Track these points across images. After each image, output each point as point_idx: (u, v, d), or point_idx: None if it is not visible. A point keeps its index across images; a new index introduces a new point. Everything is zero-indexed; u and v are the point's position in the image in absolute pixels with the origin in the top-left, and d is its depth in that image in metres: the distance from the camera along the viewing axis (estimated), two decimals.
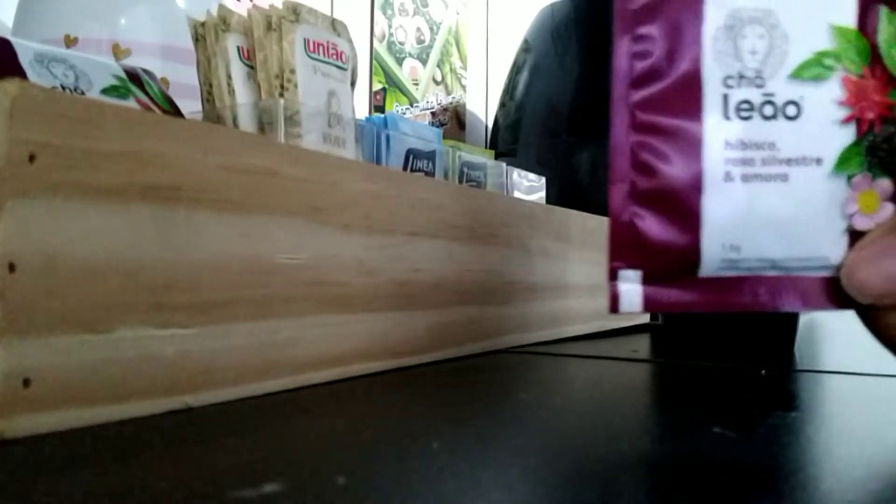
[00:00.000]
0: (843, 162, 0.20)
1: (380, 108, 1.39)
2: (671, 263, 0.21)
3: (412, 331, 0.39)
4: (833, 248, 0.20)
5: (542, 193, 0.68)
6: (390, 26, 1.43)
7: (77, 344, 0.23)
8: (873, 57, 0.21)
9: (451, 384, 0.35)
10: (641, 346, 0.54)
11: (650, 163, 0.21)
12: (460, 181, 0.58)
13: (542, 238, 0.54)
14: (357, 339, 0.35)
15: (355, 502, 0.16)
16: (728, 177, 0.20)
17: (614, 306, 0.21)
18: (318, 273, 0.33)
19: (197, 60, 0.46)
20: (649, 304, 0.21)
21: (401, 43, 1.45)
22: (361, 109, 1.32)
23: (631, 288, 0.21)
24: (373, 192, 0.37)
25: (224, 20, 0.44)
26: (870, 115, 0.20)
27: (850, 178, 0.20)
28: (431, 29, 1.55)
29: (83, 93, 0.37)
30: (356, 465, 0.20)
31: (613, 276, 0.21)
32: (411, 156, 0.53)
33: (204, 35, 0.45)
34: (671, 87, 0.21)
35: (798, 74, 0.20)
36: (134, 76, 0.41)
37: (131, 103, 0.40)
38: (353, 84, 0.49)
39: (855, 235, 0.20)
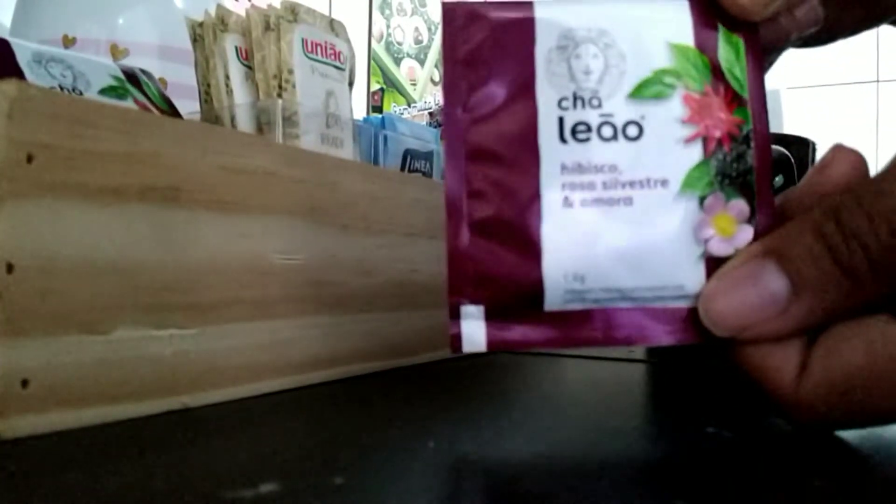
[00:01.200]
0: (691, 182, 0.19)
1: (378, 109, 1.39)
2: (514, 297, 0.19)
3: (410, 331, 0.39)
4: (688, 277, 0.19)
5: None
6: (388, 26, 1.43)
7: (75, 344, 0.23)
8: (715, 75, 0.20)
9: (448, 384, 0.35)
10: (637, 346, 0.54)
11: (486, 191, 0.19)
12: None
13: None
14: (355, 340, 0.35)
15: (353, 502, 0.17)
16: (567, 202, 0.19)
17: (456, 345, 0.19)
18: (317, 273, 0.33)
19: (195, 61, 0.46)
20: (494, 343, 0.19)
21: (399, 43, 1.45)
22: (359, 110, 1.32)
23: (474, 326, 0.19)
24: (371, 192, 0.37)
25: (222, 20, 0.44)
26: (716, 134, 0.19)
27: (701, 199, 0.19)
28: (429, 29, 1.55)
29: (81, 93, 0.37)
30: (353, 465, 0.20)
31: (455, 313, 0.19)
32: (409, 156, 0.53)
33: (202, 35, 0.45)
34: (504, 112, 0.20)
35: (637, 94, 0.19)
36: (132, 76, 0.41)
37: (129, 104, 0.40)
38: (351, 84, 0.49)
39: (713, 262, 0.19)
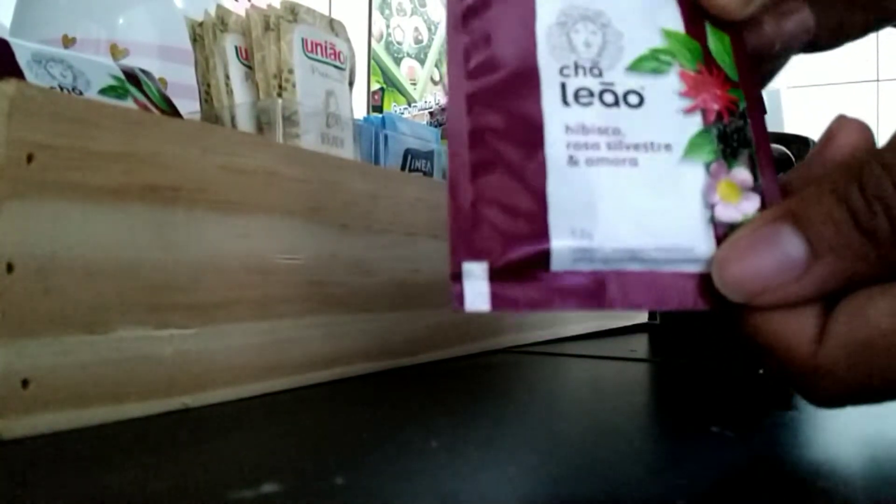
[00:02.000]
0: (694, 148, 0.19)
1: (378, 108, 1.39)
2: (520, 254, 0.18)
3: (411, 331, 0.39)
4: (698, 239, 0.19)
5: None
6: (388, 26, 1.43)
7: (75, 344, 0.23)
8: (707, 58, 0.20)
9: (449, 384, 0.35)
10: (639, 345, 0.54)
11: (489, 150, 0.19)
12: None
13: None
14: (355, 340, 0.35)
15: (353, 502, 0.16)
16: (572, 161, 0.19)
17: (458, 303, 0.18)
18: (317, 273, 0.33)
19: (195, 60, 0.46)
20: (498, 302, 0.18)
21: (399, 43, 1.45)
22: (359, 109, 1.32)
23: (477, 285, 0.19)
24: (371, 192, 0.37)
25: (222, 20, 0.44)
26: (714, 107, 0.20)
27: (707, 165, 0.19)
28: (429, 29, 1.55)
29: (81, 93, 0.37)
30: (354, 465, 0.20)
31: (456, 271, 0.18)
32: (409, 155, 0.53)
33: (202, 35, 0.45)
34: (506, 77, 0.20)
35: (636, 67, 0.20)
36: (132, 76, 0.41)
37: (129, 103, 0.40)
38: (351, 84, 0.49)
39: (721, 227, 0.19)
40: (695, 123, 0.19)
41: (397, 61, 1.45)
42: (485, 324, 0.47)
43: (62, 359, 0.23)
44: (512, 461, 0.20)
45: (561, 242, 0.18)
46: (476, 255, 0.18)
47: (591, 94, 0.19)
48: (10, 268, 0.21)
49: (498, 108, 0.20)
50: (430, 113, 1.50)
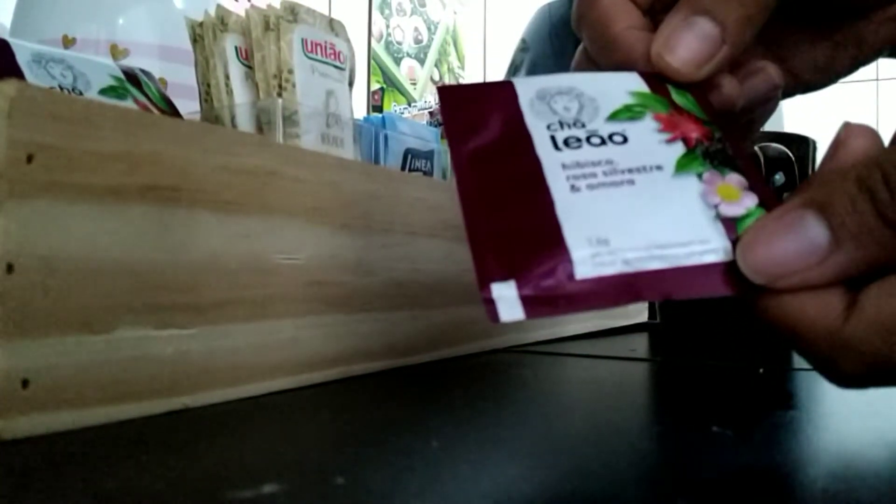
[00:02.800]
0: (683, 166, 0.21)
1: (378, 108, 1.38)
2: (544, 268, 0.20)
3: (411, 331, 0.39)
4: (710, 232, 0.19)
5: None
6: (388, 26, 1.43)
7: (75, 344, 0.23)
8: (675, 107, 0.22)
9: (450, 384, 0.35)
10: (639, 344, 0.54)
11: (498, 193, 0.21)
12: None
13: None
14: (356, 339, 0.35)
15: (354, 502, 0.16)
16: (574, 188, 0.20)
17: (493, 316, 0.20)
18: (317, 273, 0.33)
19: (195, 60, 0.46)
20: (531, 312, 0.20)
21: (398, 43, 1.45)
22: (359, 109, 1.32)
23: (509, 302, 0.20)
24: (371, 191, 0.37)
25: (222, 20, 0.44)
26: (693, 135, 0.21)
27: (699, 175, 0.20)
28: (429, 29, 1.55)
29: (81, 93, 0.37)
30: (355, 465, 0.20)
31: (487, 292, 0.19)
32: (409, 155, 0.53)
33: (202, 35, 0.45)
34: (502, 140, 0.22)
35: (614, 117, 0.22)
36: (132, 76, 0.41)
37: (129, 104, 0.40)
38: (351, 84, 0.49)
39: (729, 221, 0.20)
40: (678, 149, 0.21)
41: (397, 61, 1.45)
42: (485, 324, 0.47)
43: (62, 359, 0.23)
44: (512, 461, 0.20)
45: (580, 252, 0.20)
46: (503, 276, 0.20)
47: (579, 140, 0.22)
48: (10, 268, 0.21)
49: (499, 163, 0.22)
50: (430, 113, 1.50)
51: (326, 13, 0.48)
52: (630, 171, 0.21)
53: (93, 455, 0.20)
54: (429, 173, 0.54)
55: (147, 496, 0.17)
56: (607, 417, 0.27)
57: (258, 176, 0.30)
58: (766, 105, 0.27)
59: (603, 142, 0.21)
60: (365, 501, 0.16)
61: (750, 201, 0.20)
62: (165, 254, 0.26)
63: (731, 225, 0.19)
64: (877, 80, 1.95)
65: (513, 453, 0.21)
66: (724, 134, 0.22)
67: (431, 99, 1.55)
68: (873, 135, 0.20)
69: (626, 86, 0.23)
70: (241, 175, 0.29)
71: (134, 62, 0.49)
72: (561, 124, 0.22)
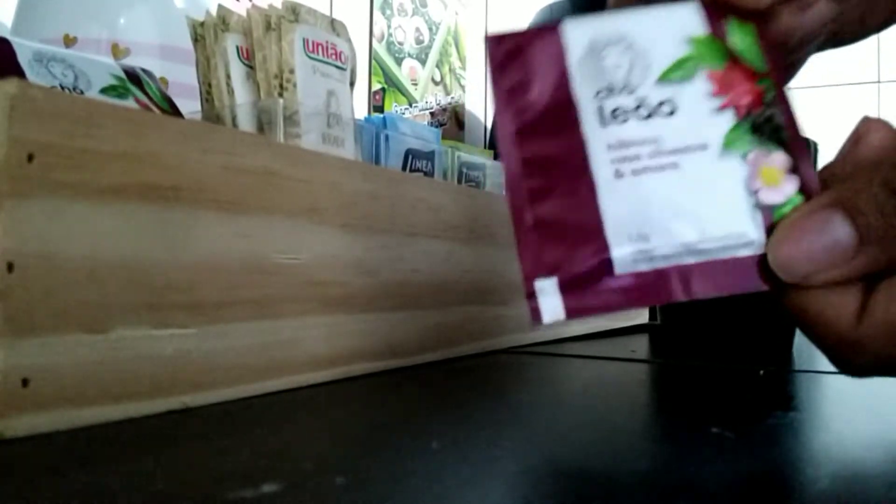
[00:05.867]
0: (730, 143, 0.20)
1: (379, 109, 1.38)
2: (585, 266, 0.20)
3: (411, 331, 0.39)
4: (748, 225, 0.20)
5: None
6: (389, 26, 1.43)
7: (76, 344, 0.23)
8: (731, 55, 0.21)
9: (450, 384, 0.35)
10: (640, 346, 0.54)
11: (542, 178, 0.21)
12: (459, 181, 0.58)
13: None
14: (356, 340, 0.35)
15: (354, 502, 0.16)
16: (618, 174, 0.21)
17: (537, 317, 0.21)
18: (318, 273, 0.33)
19: (196, 60, 0.46)
20: (572, 312, 0.21)
21: (400, 43, 1.45)
22: (360, 109, 1.32)
23: (551, 299, 0.21)
24: (372, 192, 0.37)
25: (223, 20, 0.44)
26: (744, 101, 0.21)
27: (743, 155, 0.20)
28: (430, 29, 1.55)
29: (82, 92, 0.37)
30: (355, 464, 0.20)
31: (531, 290, 0.21)
32: (410, 156, 0.53)
33: (203, 35, 0.45)
34: (547, 112, 0.22)
35: (665, 78, 0.21)
36: (133, 76, 0.41)
37: (130, 103, 0.40)
38: (352, 84, 0.49)
39: (767, 210, 0.20)
40: (727, 120, 0.21)
41: (398, 61, 1.45)
42: (485, 324, 0.47)
43: (62, 358, 0.23)
44: (512, 461, 0.20)
45: (621, 249, 0.20)
46: (546, 272, 0.21)
47: (626, 111, 0.21)
48: (10, 267, 0.21)
49: (544, 140, 0.22)
50: (431, 113, 1.50)
51: (328, 13, 0.48)
52: (675, 151, 0.21)
53: (93, 454, 0.20)
54: (429, 174, 0.54)
55: (147, 496, 0.17)
56: (607, 418, 0.27)
57: (259, 176, 0.30)
58: (808, 48, 0.27)
59: (650, 114, 0.21)
60: (365, 501, 0.16)
61: (790, 187, 0.20)
62: (166, 253, 0.26)
63: (768, 213, 0.20)
64: (878, 82, 1.95)
65: (513, 454, 0.21)
66: (777, 87, 0.21)
67: (432, 99, 1.55)
68: (891, 130, 0.21)
69: (681, 28, 0.22)
70: (242, 175, 0.29)
71: (135, 61, 0.49)
72: (609, 90, 0.21)
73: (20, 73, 0.35)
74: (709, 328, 0.50)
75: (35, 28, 0.62)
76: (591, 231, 0.20)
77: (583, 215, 0.21)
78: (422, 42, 1.50)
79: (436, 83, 1.55)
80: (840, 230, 0.19)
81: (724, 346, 0.49)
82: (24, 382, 0.22)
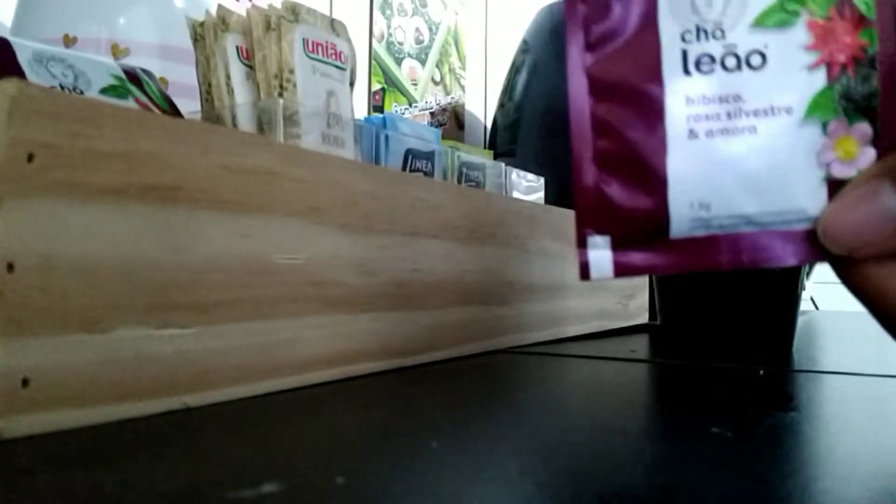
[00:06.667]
0: (815, 108, 0.19)
1: (379, 109, 1.38)
2: (640, 227, 0.20)
3: (411, 331, 0.39)
4: (810, 200, 0.19)
5: (541, 194, 0.68)
6: (389, 26, 1.43)
7: (75, 344, 0.23)
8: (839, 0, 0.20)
9: (449, 384, 0.35)
10: (640, 346, 0.54)
11: (611, 126, 0.20)
12: (459, 181, 0.58)
13: (541, 238, 0.54)
14: (356, 340, 0.35)
15: (354, 502, 0.16)
16: (692, 134, 0.20)
17: (585, 273, 0.20)
18: (318, 273, 0.33)
19: (196, 60, 0.46)
20: (620, 270, 0.20)
21: (400, 43, 1.45)
22: (360, 109, 1.32)
23: (601, 254, 0.20)
24: (372, 192, 0.37)
25: (223, 20, 0.44)
26: (840, 59, 0.20)
27: (824, 124, 0.19)
28: (430, 29, 1.55)
29: (82, 92, 0.37)
30: (355, 464, 0.20)
31: (582, 243, 0.20)
32: (410, 156, 0.53)
33: (203, 35, 0.45)
34: (627, 47, 0.20)
35: (761, 22, 0.20)
36: (133, 76, 0.41)
37: (130, 103, 0.40)
38: (351, 84, 0.49)
39: (835, 184, 0.19)
40: (818, 80, 0.20)
41: (398, 61, 1.45)
42: (485, 324, 0.47)
43: (62, 358, 0.23)
44: (512, 461, 0.20)
45: (680, 214, 0.19)
46: (600, 230, 0.20)
47: (713, 59, 0.20)
48: (10, 267, 0.21)
49: (619, 83, 0.20)
50: (431, 113, 1.50)
51: (328, 13, 0.48)
52: (756, 113, 0.19)
53: (93, 454, 0.20)
54: (430, 174, 0.54)
55: (147, 495, 0.17)
56: (607, 418, 0.27)
57: (259, 176, 0.30)
58: None
59: (738, 65, 0.20)
60: (365, 501, 0.16)
61: (864, 160, 0.19)
62: (165, 253, 0.26)
63: (835, 188, 0.19)
64: None
65: (513, 454, 0.21)
66: (882, 42, 0.20)
67: (432, 99, 1.55)
68: None
69: None
70: (242, 175, 0.29)
71: (135, 61, 0.49)
72: (698, 31, 0.20)
73: (20, 73, 0.35)
74: (709, 328, 0.50)
75: (35, 28, 0.62)
76: (653, 191, 0.20)
77: (648, 173, 0.20)
78: (422, 42, 1.50)
79: (436, 83, 1.55)
80: (888, 199, 0.18)
81: (724, 346, 0.49)
82: (24, 382, 0.22)
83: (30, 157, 0.22)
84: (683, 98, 0.20)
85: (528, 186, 0.66)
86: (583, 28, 0.21)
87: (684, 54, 0.20)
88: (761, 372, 0.40)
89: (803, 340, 0.56)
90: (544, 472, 0.20)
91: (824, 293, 1.04)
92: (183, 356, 0.27)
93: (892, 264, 0.19)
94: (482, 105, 1.71)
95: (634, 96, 0.20)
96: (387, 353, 0.37)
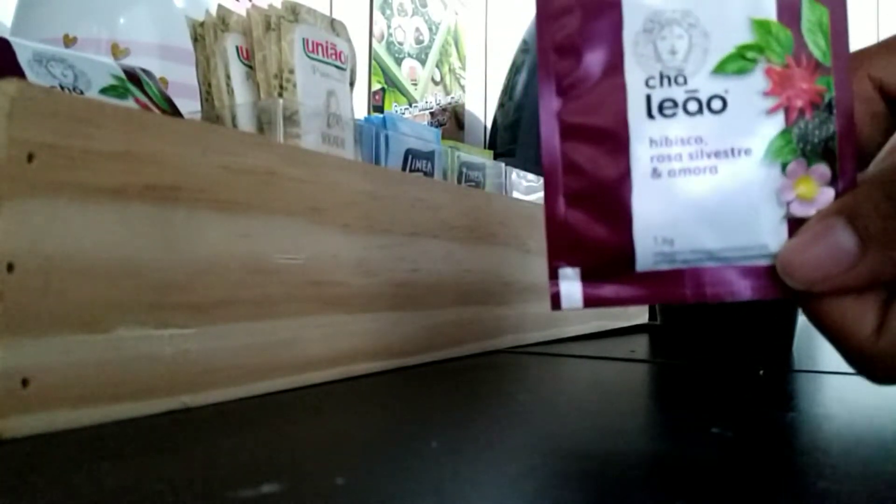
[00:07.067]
0: (774, 150, 0.20)
1: (379, 109, 1.38)
2: (608, 260, 0.21)
3: (411, 331, 0.39)
4: (772, 237, 0.20)
5: (541, 194, 0.68)
6: (389, 26, 1.43)
7: (75, 344, 0.23)
8: (797, 46, 0.21)
9: (449, 384, 0.35)
10: (639, 346, 0.54)
11: (580, 166, 0.21)
12: (459, 181, 0.58)
13: (541, 238, 0.54)
14: (356, 339, 0.35)
15: (354, 502, 0.16)
16: (655, 173, 0.21)
17: (556, 303, 0.22)
18: (318, 273, 0.33)
19: (196, 60, 0.46)
20: (589, 300, 0.21)
21: (400, 43, 1.45)
22: (360, 109, 1.32)
23: (571, 286, 0.22)
24: (372, 192, 0.37)
25: (223, 20, 0.44)
26: (798, 103, 0.20)
27: (784, 165, 0.20)
28: (430, 29, 1.55)
29: (82, 92, 0.37)
30: (355, 465, 0.20)
31: (553, 275, 0.22)
32: (410, 156, 0.53)
33: (203, 35, 0.45)
34: (595, 93, 0.21)
35: (721, 69, 0.21)
36: (133, 76, 0.41)
37: (130, 103, 0.40)
38: (351, 84, 0.49)
39: (795, 223, 0.20)
40: (777, 123, 0.20)
41: (398, 61, 1.45)
42: (485, 324, 0.47)
43: (62, 358, 0.23)
44: (512, 461, 0.20)
45: (645, 249, 0.21)
46: (570, 262, 0.21)
47: (676, 104, 0.21)
48: (10, 267, 0.21)
49: (587, 126, 0.21)
50: (431, 113, 1.50)
51: (327, 13, 0.48)
52: (717, 154, 0.20)
53: (93, 454, 0.20)
54: (429, 174, 0.54)
55: (147, 496, 0.17)
56: (607, 418, 0.27)
57: (258, 176, 0.30)
58: None
59: (700, 109, 0.21)
60: (365, 501, 0.16)
61: (823, 199, 0.20)
62: (165, 253, 0.26)
63: (795, 226, 0.20)
64: None
65: (512, 454, 0.21)
66: (837, 88, 0.20)
67: (432, 99, 1.55)
68: None
69: (750, 5, 0.21)
70: (242, 175, 0.29)
71: (135, 61, 0.49)
72: (661, 77, 0.21)
73: (20, 74, 0.35)
74: (709, 328, 0.50)
75: (35, 28, 0.62)
76: (620, 227, 0.21)
77: (615, 209, 0.21)
78: (422, 42, 1.50)
79: (435, 83, 1.55)
80: (842, 236, 0.19)
81: (724, 346, 0.49)
82: (24, 382, 0.22)
83: (30, 157, 0.22)
84: (647, 140, 0.21)
85: (528, 186, 0.66)
86: (554, 75, 0.22)
87: (648, 99, 0.21)
88: (761, 372, 0.40)
89: (803, 340, 0.56)
90: (544, 471, 0.20)
91: None
92: (183, 356, 0.27)
93: (849, 299, 0.19)
94: (482, 105, 1.71)
95: (601, 138, 0.21)
96: (387, 353, 0.37)
